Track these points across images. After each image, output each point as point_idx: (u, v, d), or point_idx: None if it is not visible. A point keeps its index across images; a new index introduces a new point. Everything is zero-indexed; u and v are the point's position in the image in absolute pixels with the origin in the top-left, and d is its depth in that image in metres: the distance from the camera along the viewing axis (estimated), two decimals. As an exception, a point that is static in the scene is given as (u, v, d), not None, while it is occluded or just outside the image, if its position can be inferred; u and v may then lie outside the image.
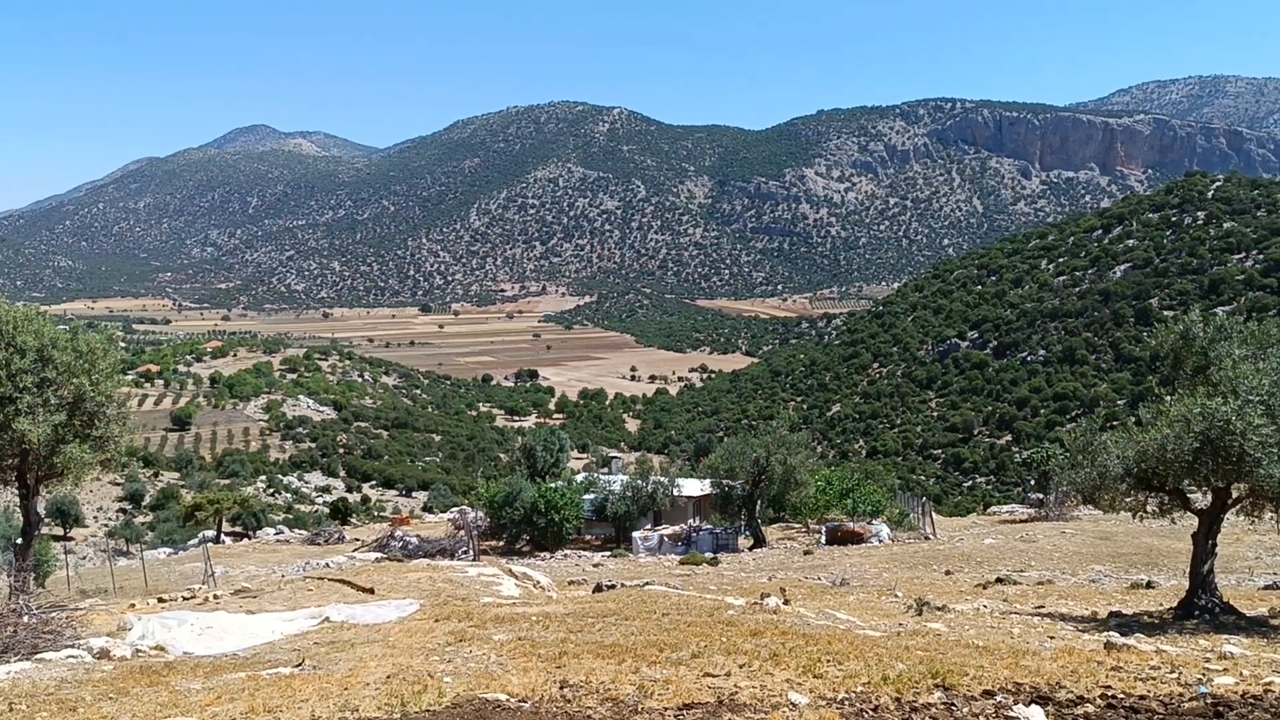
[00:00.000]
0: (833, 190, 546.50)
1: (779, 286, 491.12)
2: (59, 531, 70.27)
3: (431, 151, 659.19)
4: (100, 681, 10.70)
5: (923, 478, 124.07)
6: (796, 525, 43.55)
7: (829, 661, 9.92)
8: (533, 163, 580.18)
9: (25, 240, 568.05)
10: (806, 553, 33.95)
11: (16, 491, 23.22)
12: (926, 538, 36.83)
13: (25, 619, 13.55)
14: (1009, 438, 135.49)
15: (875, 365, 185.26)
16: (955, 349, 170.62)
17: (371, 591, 18.41)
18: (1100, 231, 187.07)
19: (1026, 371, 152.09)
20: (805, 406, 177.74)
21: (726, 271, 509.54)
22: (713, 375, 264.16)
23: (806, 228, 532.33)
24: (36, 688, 10.49)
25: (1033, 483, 54.54)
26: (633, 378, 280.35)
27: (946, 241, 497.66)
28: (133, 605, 18.09)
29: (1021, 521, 41.39)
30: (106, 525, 79.89)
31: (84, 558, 54.30)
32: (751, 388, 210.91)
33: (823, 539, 37.52)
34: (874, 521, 39.31)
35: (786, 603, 15.97)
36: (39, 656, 12.33)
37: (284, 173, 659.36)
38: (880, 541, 36.06)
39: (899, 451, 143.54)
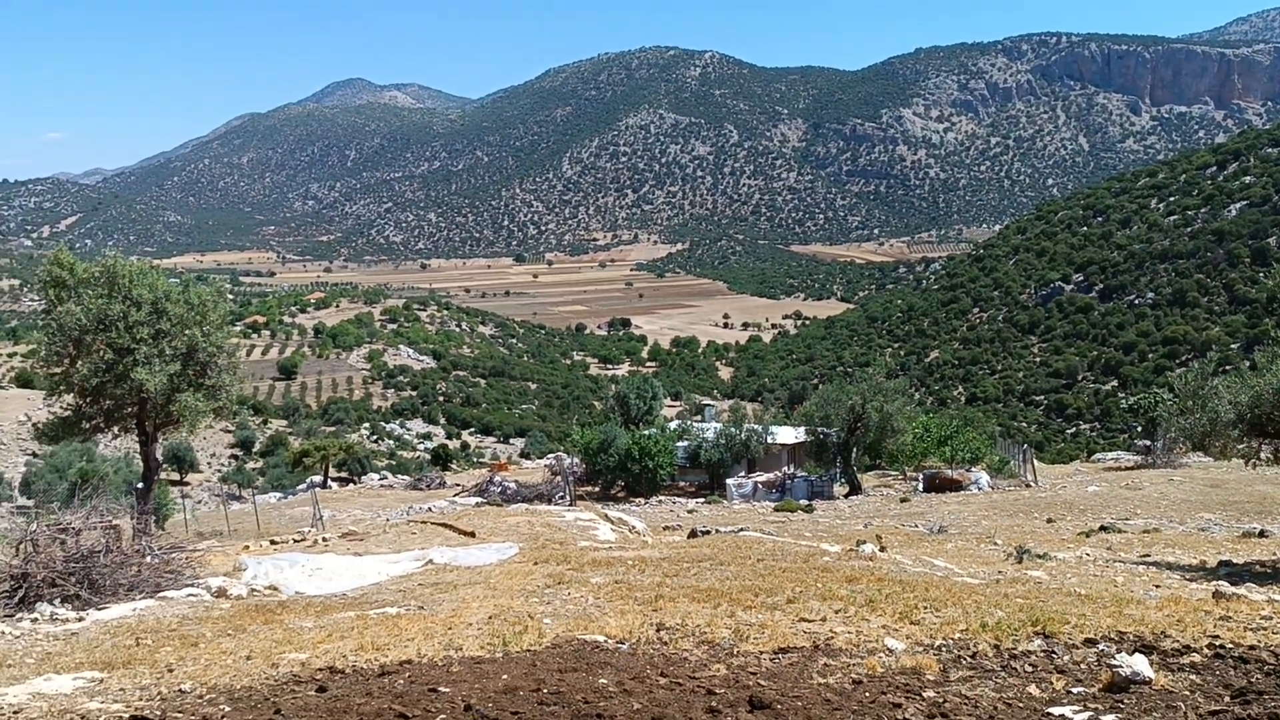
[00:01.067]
0: (931, 131, 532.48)
1: (875, 231, 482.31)
2: (175, 477, 73.33)
3: (524, 101, 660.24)
4: (219, 619, 11.22)
5: (1024, 424, 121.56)
6: (893, 473, 43.19)
7: (926, 608, 9.88)
8: (624, 110, 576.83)
9: (136, 196, 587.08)
10: (903, 500, 33.69)
11: (137, 439, 24.36)
12: (1027, 485, 36.21)
13: (148, 559, 14.24)
14: (1115, 383, 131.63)
15: (975, 310, 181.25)
16: (1059, 292, 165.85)
17: (472, 535, 18.85)
18: (1214, 168, 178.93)
19: (1134, 315, 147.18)
20: (902, 353, 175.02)
21: (821, 216, 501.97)
22: (807, 322, 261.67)
23: (904, 170, 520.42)
24: (161, 624, 11.04)
25: (1139, 429, 53.16)
26: (725, 325, 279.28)
27: (1050, 181, 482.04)
28: (247, 547, 18.85)
29: (1127, 469, 40.36)
30: (219, 471, 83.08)
31: (199, 502, 56.55)
32: (847, 334, 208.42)
33: (920, 486, 37.16)
34: (973, 469, 38.78)
35: (883, 550, 15.91)
36: (162, 595, 12.96)
37: (380, 125, 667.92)
38: (979, 489, 35.57)
39: (999, 398, 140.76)
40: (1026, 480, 37.26)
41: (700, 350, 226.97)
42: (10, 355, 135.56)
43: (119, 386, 21.90)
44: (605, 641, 8.92)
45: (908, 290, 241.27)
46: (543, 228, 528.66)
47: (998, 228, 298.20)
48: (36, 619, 11.56)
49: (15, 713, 7.31)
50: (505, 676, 7.59)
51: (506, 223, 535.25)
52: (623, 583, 12.12)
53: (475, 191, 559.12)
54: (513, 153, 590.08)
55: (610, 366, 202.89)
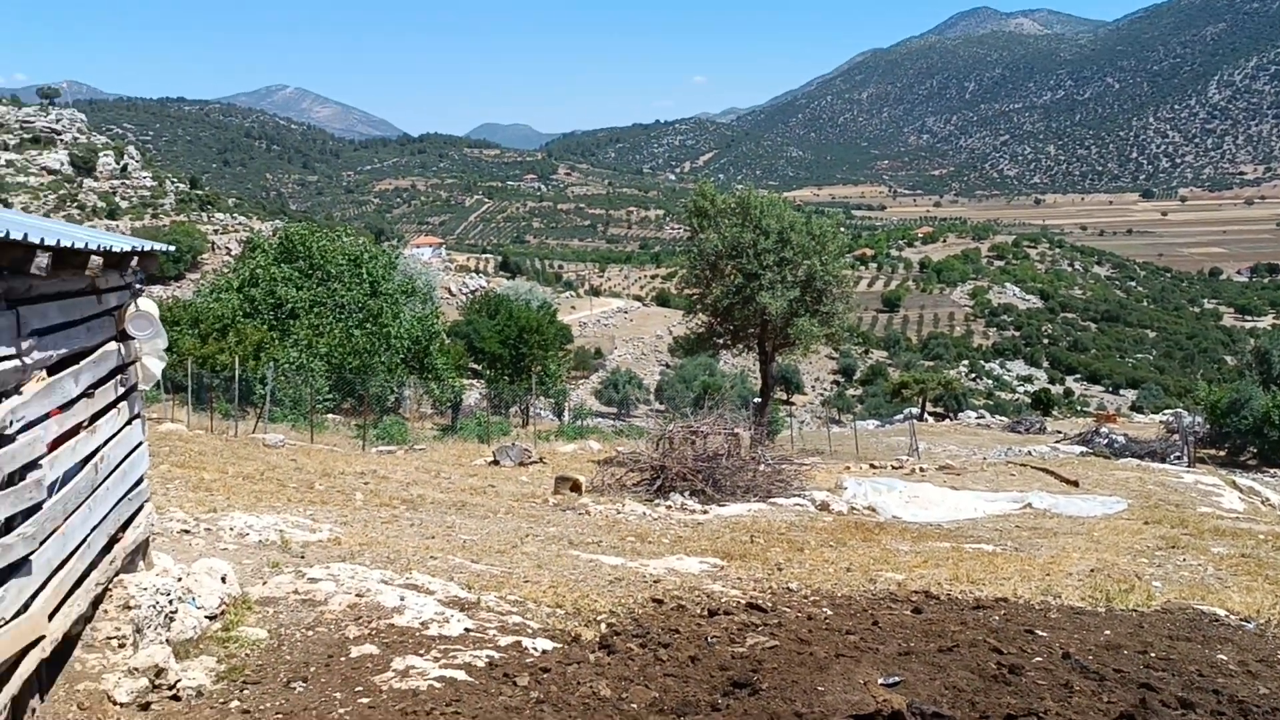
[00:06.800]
0: None
1: None
2: (782, 396, 78.91)
3: (1167, 20, 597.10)
4: (821, 529, 12.03)
5: None
6: None
7: None
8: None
9: (764, 133, 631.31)
10: None
11: (756, 357, 26.70)
12: None
13: (762, 467, 15.61)
14: None
15: None
16: None
17: (1075, 484, 18.07)
18: None
19: None
20: None
21: None
22: None
23: None
24: (771, 526, 12.13)
25: None
26: None
27: None
28: (848, 468, 19.82)
29: None
30: (821, 394, 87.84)
31: (803, 422, 60.35)
32: None
33: None
34: None
35: None
36: (772, 500, 14.20)
37: (1002, 55, 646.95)
38: None
39: None
40: None
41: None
42: (652, 277, 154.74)
43: (745, 308, 24.14)
44: (1225, 616, 8.13)
45: None
46: (1177, 160, 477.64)
47: None
48: (670, 506, 13.30)
49: (655, 582, 8.55)
50: (1107, 632, 7.27)
51: (1134, 155, 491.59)
52: (1250, 557, 10.90)
53: (1101, 121, 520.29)
54: (1148, 78, 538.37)
55: (1250, 318, 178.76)
